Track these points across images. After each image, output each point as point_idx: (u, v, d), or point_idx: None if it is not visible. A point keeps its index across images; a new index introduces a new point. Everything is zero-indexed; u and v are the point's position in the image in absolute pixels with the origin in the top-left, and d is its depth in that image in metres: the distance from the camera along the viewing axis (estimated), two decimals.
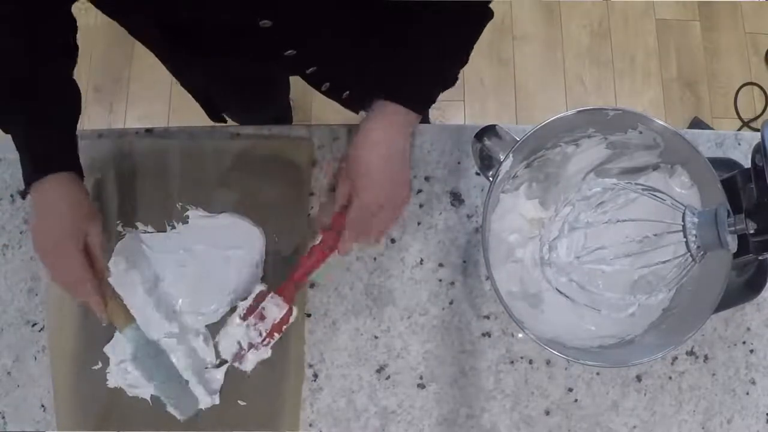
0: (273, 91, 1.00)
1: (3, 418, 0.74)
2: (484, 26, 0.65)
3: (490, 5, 0.63)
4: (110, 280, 0.75)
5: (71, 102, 0.67)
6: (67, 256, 0.63)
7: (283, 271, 0.73)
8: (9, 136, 0.66)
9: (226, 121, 0.92)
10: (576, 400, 0.73)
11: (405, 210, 0.70)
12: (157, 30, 0.63)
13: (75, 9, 0.65)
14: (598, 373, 0.73)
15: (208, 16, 0.56)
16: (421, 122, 0.68)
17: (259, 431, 0.71)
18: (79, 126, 0.67)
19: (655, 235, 0.61)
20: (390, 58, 0.63)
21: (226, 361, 0.72)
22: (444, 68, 0.65)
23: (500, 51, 1.71)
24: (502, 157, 0.63)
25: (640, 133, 0.64)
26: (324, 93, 0.79)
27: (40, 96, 0.63)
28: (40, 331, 0.75)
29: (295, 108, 1.60)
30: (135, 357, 0.70)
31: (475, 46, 0.65)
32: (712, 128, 1.64)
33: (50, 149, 0.64)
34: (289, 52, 0.65)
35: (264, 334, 0.69)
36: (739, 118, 1.69)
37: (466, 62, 0.66)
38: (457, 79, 0.66)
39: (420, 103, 0.64)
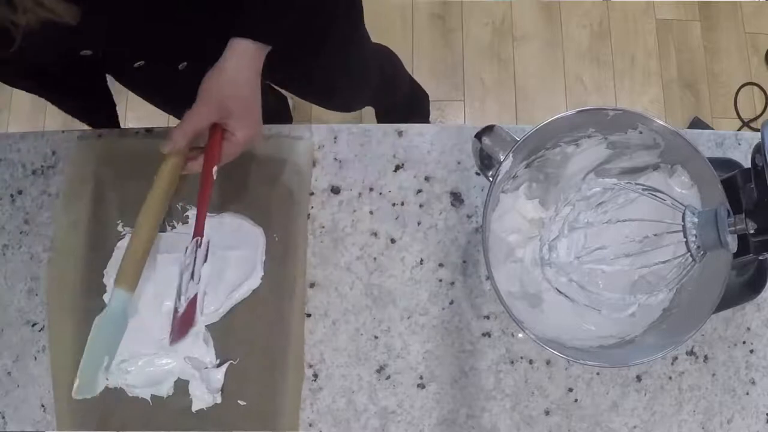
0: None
1: (3, 418, 0.74)
2: None
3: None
4: (109, 280, 0.75)
5: None
6: None
7: (282, 271, 0.73)
8: (9, 135, 0.66)
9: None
10: (576, 400, 0.73)
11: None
12: None
13: None
14: (598, 373, 0.73)
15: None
16: (421, 122, 0.68)
17: (259, 431, 0.71)
18: (79, 126, 0.68)
19: (655, 235, 0.60)
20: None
21: (226, 361, 0.72)
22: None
23: (500, 51, 1.71)
24: (502, 157, 0.63)
25: (640, 133, 0.64)
26: (143, 75, 0.77)
27: None
28: (40, 331, 0.75)
29: (296, 108, 1.60)
30: (104, 315, 0.66)
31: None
32: (712, 128, 1.64)
33: None
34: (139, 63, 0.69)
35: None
36: (739, 118, 1.69)
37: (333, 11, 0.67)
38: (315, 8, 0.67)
39: (268, 35, 0.64)
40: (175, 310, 0.69)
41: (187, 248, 0.67)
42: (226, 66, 0.62)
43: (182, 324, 0.69)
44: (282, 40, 0.65)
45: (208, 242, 0.69)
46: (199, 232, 0.68)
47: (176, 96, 0.68)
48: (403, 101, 1.33)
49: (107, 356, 0.66)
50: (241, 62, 0.63)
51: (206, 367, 0.72)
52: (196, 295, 0.70)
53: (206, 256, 0.70)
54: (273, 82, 1.00)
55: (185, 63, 0.75)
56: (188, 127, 0.63)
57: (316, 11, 0.70)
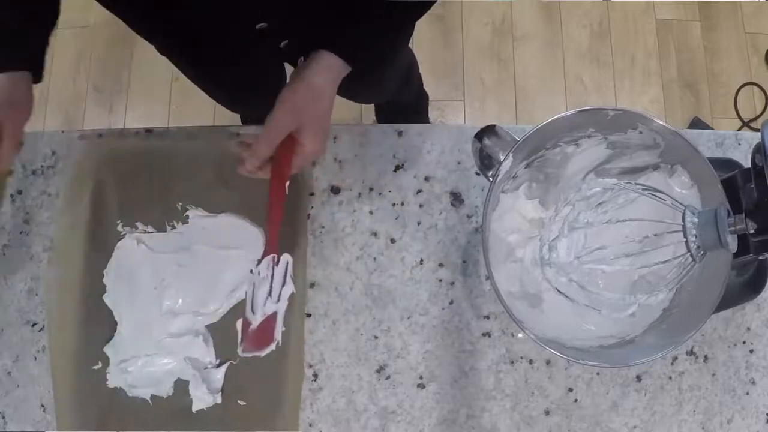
0: (257, 75, 0.99)
1: (3, 418, 0.74)
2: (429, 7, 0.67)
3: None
4: (109, 280, 0.75)
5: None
6: None
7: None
8: None
9: (246, 112, 0.91)
10: (576, 400, 0.73)
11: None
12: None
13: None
14: (598, 373, 0.73)
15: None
16: (421, 122, 0.68)
17: (259, 431, 0.71)
18: (79, 126, 0.67)
19: (655, 235, 0.60)
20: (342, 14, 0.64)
21: (226, 361, 0.72)
22: (389, 30, 0.67)
23: (500, 51, 1.70)
24: (502, 157, 0.63)
25: (640, 133, 0.64)
26: (283, 54, 0.78)
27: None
28: (40, 331, 0.75)
29: None
30: None
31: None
32: (712, 128, 1.64)
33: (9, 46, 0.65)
34: (261, 25, 0.67)
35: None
36: (739, 118, 1.69)
37: (410, 33, 0.69)
38: (401, 44, 0.69)
39: (359, 60, 0.64)
40: (246, 320, 0.65)
41: (259, 262, 0.65)
42: (315, 80, 0.63)
43: (260, 340, 0.66)
44: (369, 63, 0.66)
45: (288, 263, 0.67)
46: (273, 249, 0.66)
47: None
48: (411, 99, 1.34)
49: None
50: (328, 77, 0.63)
51: (206, 367, 0.72)
52: (275, 313, 0.68)
53: (285, 277, 0.68)
54: None
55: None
56: (273, 136, 0.62)
57: (403, 34, 0.71)
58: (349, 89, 0.72)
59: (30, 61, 0.66)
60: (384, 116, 1.41)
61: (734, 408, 0.73)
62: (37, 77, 0.67)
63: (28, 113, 0.67)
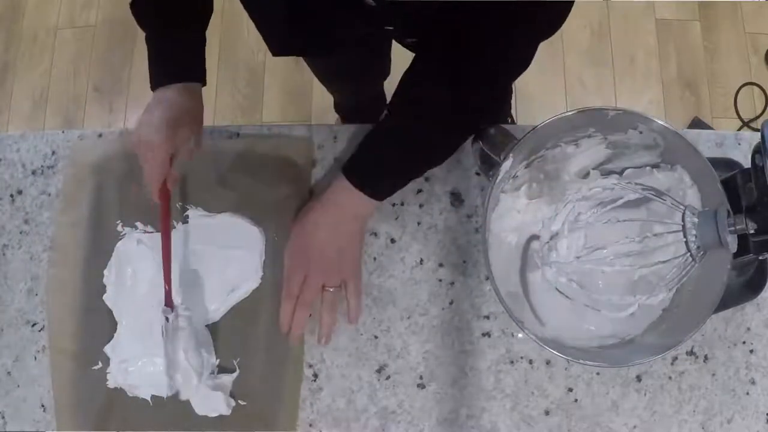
0: (370, 59, 1.01)
1: (3, 418, 0.74)
2: (466, 139, 0.68)
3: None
4: (109, 280, 0.75)
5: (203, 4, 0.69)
6: (151, 150, 0.65)
7: (282, 271, 0.73)
8: (9, 135, 0.66)
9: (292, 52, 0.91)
10: (576, 400, 0.73)
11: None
12: None
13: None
14: (598, 373, 0.73)
15: None
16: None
17: (259, 431, 0.71)
18: (79, 126, 0.68)
19: (655, 235, 0.60)
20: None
21: (226, 361, 0.72)
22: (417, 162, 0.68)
23: None
24: (502, 157, 0.63)
25: (640, 133, 0.64)
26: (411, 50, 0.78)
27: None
28: (40, 331, 0.76)
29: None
30: None
31: None
32: (712, 128, 1.64)
33: (179, 57, 0.67)
34: (370, 2, 0.66)
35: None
36: (739, 118, 1.69)
37: (435, 165, 0.71)
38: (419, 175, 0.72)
39: (378, 192, 0.67)
40: None
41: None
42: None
43: None
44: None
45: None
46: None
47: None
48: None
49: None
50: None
51: (211, 373, 0.72)
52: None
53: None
54: None
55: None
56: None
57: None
58: None
59: (201, 68, 0.69)
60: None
61: (734, 408, 0.73)
62: (204, 82, 0.69)
63: (201, 120, 0.70)
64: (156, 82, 0.67)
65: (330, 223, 0.68)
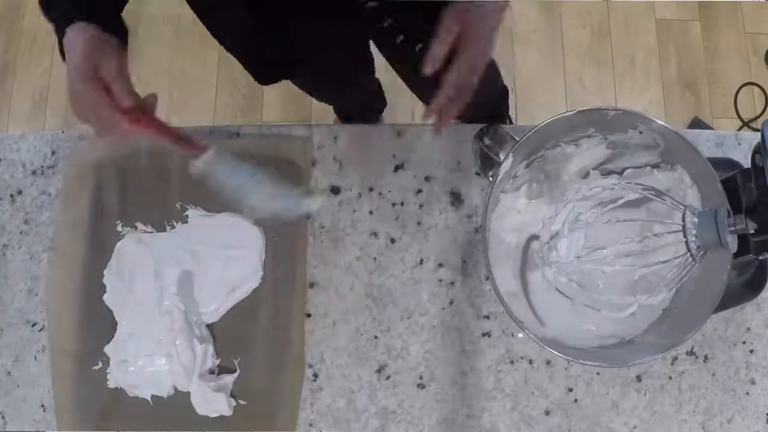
0: (354, 61, 0.99)
1: (3, 418, 0.74)
2: None
3: None
4: (109, 280, 0.75)
5: None
6: (81, 92, 0.59)
7: (282, 271, 0.73)
8: (9, 135, 0.66)
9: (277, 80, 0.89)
10: (576, 400, 0.73)
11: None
12: None
13: None
14: (598, 373, 0.73)
15: None
16: (421, 122, 0.67)
17: (259, 431, 0.71)
18: (78, 126, 0.67)
19: (655, 235, 0.60)
20: None
21: (226, 361, 0.72)
22: None
23: (500, 51, 1.70)
24: (502, 157, 0.63)
25: (640, 133, 0.64)
26: (397, 49, 0.77)
27: None
28: (40, 331, 0.76)
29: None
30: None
31: None
32: (712, 128, 1.63)
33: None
34: (372, 3, 0.65)
35: None
36: (739, 118, 1.69)
37: None
38: None
39: None
40: None
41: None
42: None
43: None
44: None
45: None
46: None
47: None
48: (495, 94, 1.30)
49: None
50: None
51: (211, 372, 0.72)
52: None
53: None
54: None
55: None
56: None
57: None
58: (414, 84, 0.70)
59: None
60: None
61: (734, 408, 0.73)
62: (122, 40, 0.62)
63: (116, 54, 0.61)
64: (59, 35, 0.61)
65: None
